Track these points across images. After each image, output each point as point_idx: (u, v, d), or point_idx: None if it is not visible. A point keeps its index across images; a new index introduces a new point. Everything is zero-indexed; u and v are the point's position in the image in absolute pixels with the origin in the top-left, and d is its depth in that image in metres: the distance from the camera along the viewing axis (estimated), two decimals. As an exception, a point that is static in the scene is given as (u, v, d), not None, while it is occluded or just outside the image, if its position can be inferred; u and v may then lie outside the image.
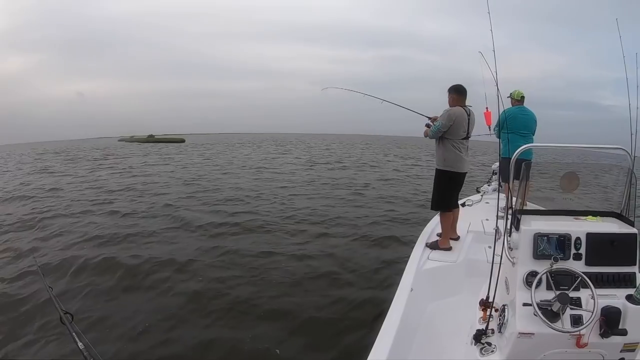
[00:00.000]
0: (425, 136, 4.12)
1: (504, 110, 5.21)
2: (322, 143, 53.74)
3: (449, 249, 3.94)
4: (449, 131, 3.87)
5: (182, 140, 68.24)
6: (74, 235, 7.12)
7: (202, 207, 9.57)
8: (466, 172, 4.08)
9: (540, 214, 2.47)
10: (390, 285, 4.04)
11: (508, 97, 5.38)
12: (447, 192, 4.05)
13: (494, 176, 6.72)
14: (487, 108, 3.86)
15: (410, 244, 4.31)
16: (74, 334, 1.03)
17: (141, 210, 9.24)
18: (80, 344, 0.95)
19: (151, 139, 72.61)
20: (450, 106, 3.96)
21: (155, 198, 10.99)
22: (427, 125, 4.14)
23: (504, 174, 4.20)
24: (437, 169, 4.07)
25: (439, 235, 4.14)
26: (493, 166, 6.80)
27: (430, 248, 3.95)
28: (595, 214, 2.40)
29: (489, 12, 2.81)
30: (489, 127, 4.15)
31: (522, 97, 5.30)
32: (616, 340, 1.92)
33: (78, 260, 5.64)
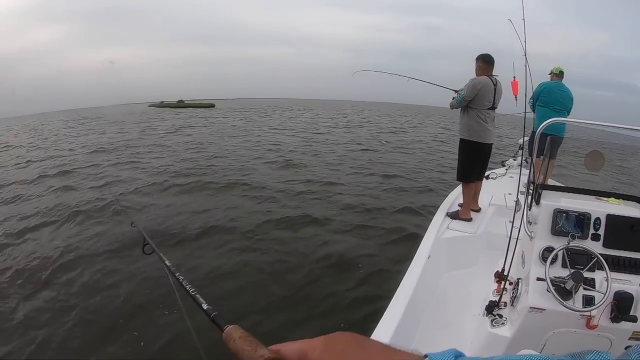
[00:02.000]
0: (451, 108, 4.04)
1: (541, 83, 5.01)
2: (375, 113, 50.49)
3: (469, 219, 3.93)
4: (473, 100, 3.79)
5: (212, 105, 68.50)
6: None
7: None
8: (491, 144, 4.01)
9: (562, 190, 2.43)
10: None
11: (549, 73, 5.18)
12: (470, 163, 4.01)
13: (520, 150, 6.55)
14: (514, 77, 3.74)
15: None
16: (160, 254, 1.13)
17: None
18: (167, 262, 1.06)
19: (181, 104, 73.42)
20: (477, 75, 3.87)
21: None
22: (453, 98, 4.05)
23: (530, 147, 4.11)
24: (461, 139, 4.02)
25: (460, 205, 4.12)
26: (519, 140, 6.62)
27: (451, 217, 3.95)
28: (618, 196, 2.34)
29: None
30: (516, 97, 4.03)
31: (561, 72, 5.09)
32: (626, 326, 1.91)
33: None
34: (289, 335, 2.34)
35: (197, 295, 0.76)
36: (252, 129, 22.82)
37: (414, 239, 4.30)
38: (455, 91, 4.06)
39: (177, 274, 0.92)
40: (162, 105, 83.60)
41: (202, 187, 8.38)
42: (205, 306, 0.71)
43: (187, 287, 0.83)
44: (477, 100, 3.78)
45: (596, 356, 0.32)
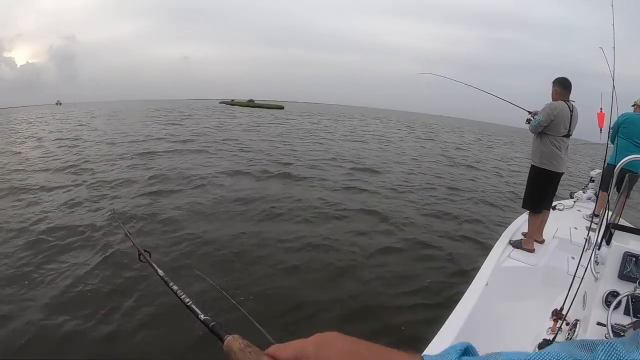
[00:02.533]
0: (530, 131, 3.90)
1: (624, 113, 4.69)
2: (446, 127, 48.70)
3: (532, 250, 3.76)
4: (549, 126, 3.64)
5: (282, 107, 70.39)
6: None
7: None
8: (563, 173, 3.82)
9: (634, 232, 2.28)
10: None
11: (633, 105, 4.83)
12: (540, 192, 3.84)
13: (590, 183, 6.11)
14: (601, 109, 3.53)
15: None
16: (153, 264, 1.14)
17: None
18: (160, 271, 1.05)
19: (251, 104, 76.24)
20: (552, 99, 3.73)
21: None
22: (527, 121, 3.91)
23: (605, 182, 3.84)
24: (532, 166, 3.87)
25: (524, 234, 3.96)
26: (592, 172, 6.15)
27: (513, 246, 3.81)
28: None
29: (612, 5, 2.55)
30: (600, 130, 3.80)
31: None
32: None
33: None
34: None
35: (193, 306, 0.74)
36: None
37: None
38: (529, 112, 3.92)
39: (171, 283, 0.88)
40: (233, 103, 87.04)
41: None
42: (202, 317, 0.69)
43: (182, 297, 0.80)
44: (552, 126, 3.63)
45: (607, 347, 0.34)
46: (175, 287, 0.85)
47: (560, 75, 3.75)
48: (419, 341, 2.87)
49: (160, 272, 0.98)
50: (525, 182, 4.00)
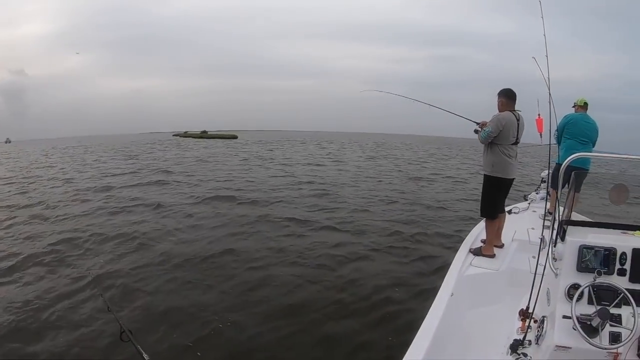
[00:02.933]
0: (480, 142, 4.05)
1: (566, 115, 5.01)
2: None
3: (492, 256, 3.85)
4: (498, 137, 3.80)
5: (235, 137, 69.93)
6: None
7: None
8: (514, 178, 3.99)
9: (587, 226, 2.40)
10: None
11: (573, 106, 5.19)
12: (493, 198, 3.98)
13: (542, 184, 6.45)
14: (539, 115, 3.75)
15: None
16: (138, 346, 1.01)
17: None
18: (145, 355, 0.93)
19: (205, 135, 75.21)
20: (499, 110, 3.89)
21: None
22: (476, 131, 4.06)
23: (555, 180, 4.05)
24: (485, 175, 4.00)
25: (483, 241, 4.06)
26: (542, 173, 6.50)
27: (474, 254, 3.89)
28: None
29: (542, 17, 2.75)
30: (540, 135, 4.02)
31: (585, 104, 5.07)
32: None
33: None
34: None
35: None
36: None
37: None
38: (477, 123, 4.09)
39: None
40: (186, 135, 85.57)
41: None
42: None
43: None
44: (501, 136, 3.79)
45: None
46: None
47: (504, 87, 3.94)
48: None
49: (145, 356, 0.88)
50: (480, 190, 4.12)
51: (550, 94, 3.17)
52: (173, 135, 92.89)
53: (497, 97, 3.95)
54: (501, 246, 4.07)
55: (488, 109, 4.00)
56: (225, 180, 14.03)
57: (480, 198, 4.11)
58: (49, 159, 26.57)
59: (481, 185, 4.08)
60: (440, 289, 3.14)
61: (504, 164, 3.84)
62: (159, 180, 13.85)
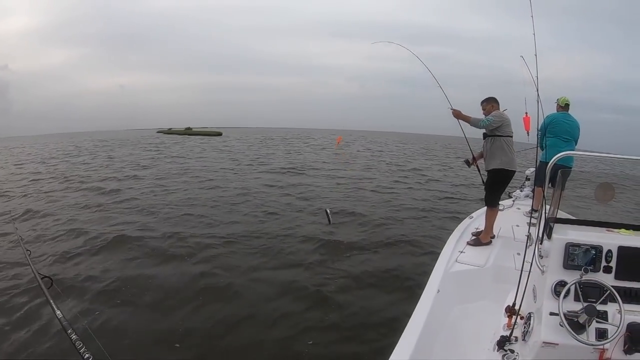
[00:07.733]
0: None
1: (548, 115, 5.11)
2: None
3: (489, 243, 4.02)
4: (501, 128, 3.97)
5: (220, 134, 69.16)
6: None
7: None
8: (515, 171, 4.16)
9: (573, 224, 2.42)
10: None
11: (555, 102, 5.28)
12: (498, 190, 4.18)
13: (527, 182, 6.55)
14: (526, 113, 3.81)
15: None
16: (51, 301, 0.90)
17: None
18: (58, 312, 0.82)
19: (189, 132, 74.19)
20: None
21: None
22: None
23: (540, 178, 4.14)
24: (493, 169, 4.13)
25: (474, 234, 4.22)
26: (527, 171, 6.60)
27: (474, 245, 4.03)
28: (629, 227, 2.35)
29: (532, 16, 2.77)
30: (527, 133, 4.09)
31: (567, 105, 5.18)
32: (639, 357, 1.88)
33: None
34: None
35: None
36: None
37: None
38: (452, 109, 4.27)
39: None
40: (170, 132, 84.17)
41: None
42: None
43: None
44: (504, 128, 3.99)
45: None
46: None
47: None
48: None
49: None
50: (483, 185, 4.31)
51: (538, 93, 3.20)
52: (157, 132, 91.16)
53: (483, 105, 4.16)
54: (493, 237, 4.20)
55: (477, 105, 4.10)
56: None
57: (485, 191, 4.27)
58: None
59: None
60: (426, 286, 3.15)
61: (511, 156, 4.04)
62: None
